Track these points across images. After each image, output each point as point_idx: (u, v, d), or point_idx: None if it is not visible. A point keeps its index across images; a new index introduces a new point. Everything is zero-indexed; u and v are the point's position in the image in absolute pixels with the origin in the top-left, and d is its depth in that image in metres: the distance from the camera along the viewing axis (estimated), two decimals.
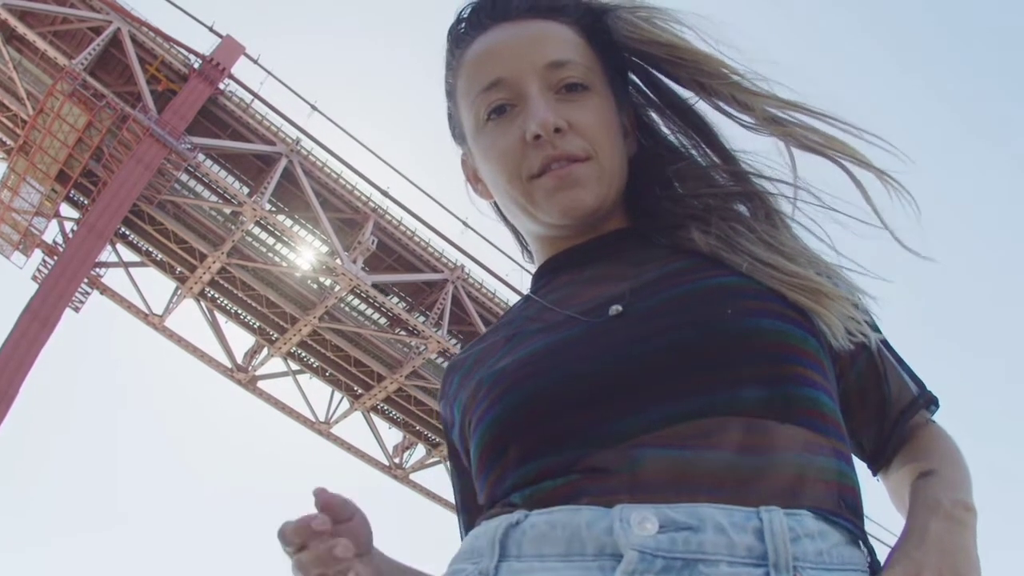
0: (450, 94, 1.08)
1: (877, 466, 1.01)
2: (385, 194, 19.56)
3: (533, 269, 1.10)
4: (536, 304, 1.00)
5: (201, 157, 17.68)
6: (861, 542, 0.82)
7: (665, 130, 1.06)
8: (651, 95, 1.06)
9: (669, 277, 0.92)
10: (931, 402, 1.02)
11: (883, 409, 0.99)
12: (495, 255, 20.05)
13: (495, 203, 1.12)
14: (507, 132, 0.97)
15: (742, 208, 1.00)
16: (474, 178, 1.11)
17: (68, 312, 18.01)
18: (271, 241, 19.52)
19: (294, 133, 18.38)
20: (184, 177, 18.14)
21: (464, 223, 20.23)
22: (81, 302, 19.03)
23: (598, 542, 0.74)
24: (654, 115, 1.07)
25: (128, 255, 19.44)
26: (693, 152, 1.04)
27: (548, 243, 1.05)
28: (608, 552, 0.74)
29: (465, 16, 1.05)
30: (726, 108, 0.98)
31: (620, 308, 0.89)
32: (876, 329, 0.98)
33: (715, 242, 0.95)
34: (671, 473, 0.76)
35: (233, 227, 18.63)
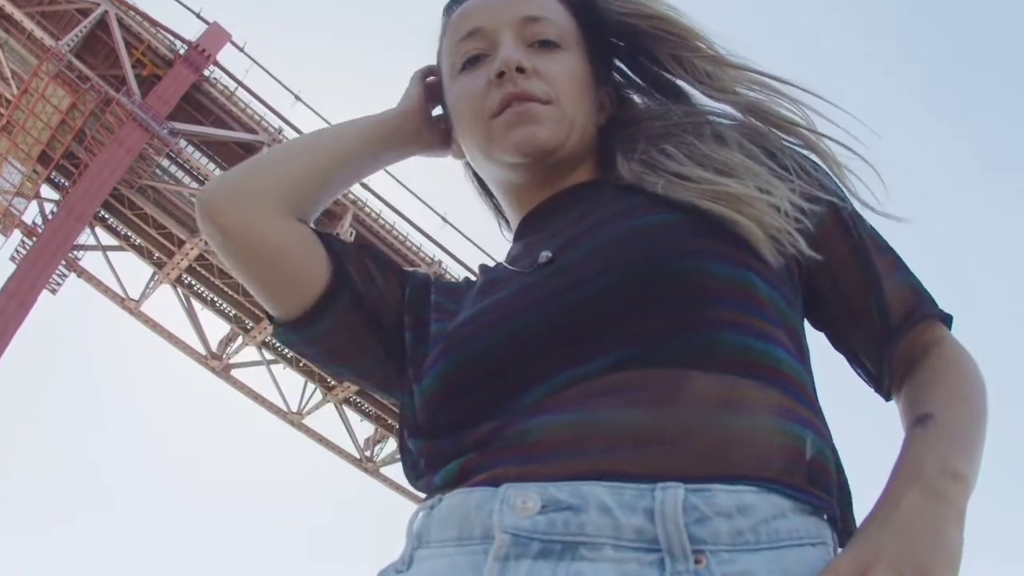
0: (438, 61, 1.10)
1: (885, 390, 0.92)
2: (364, 186, 19.72)
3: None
4: (499, 265, 0.99)
5: (183, 143, 17.81)
6: (825, 513, 0.73)
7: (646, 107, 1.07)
8: (632, 75, 1.08)
9: (605, 222, 0.89)
10: (936, 315, 0.91)
11: (876, 323, 0.91)
12: (474, 252, 20.22)
13: (468, 164, 1.13)
14: (477, 77, 0.99)
15: (694, 130, 0.97)
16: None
17: (44, 294, 18.08)
18: None
19: (277, 122, 18.48)
20: (165, 162, 18.22)
21: (443, 218, 20.42)
22: (58, 284, 19.07)
23: (484, 525, 0.71)
24: (636, 97, 1.08)
25: (107, 239, 19.51)
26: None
27: (515, 196, 1.04)
28: (491, 535, 0.71)
29: None
30: (701, 85, 0.98)
31: (549, 255, 0.88)
32: (857, 222, 0.92)
33: (637, 167, 0.95)
34: (564, 442, 0.73)
35: None
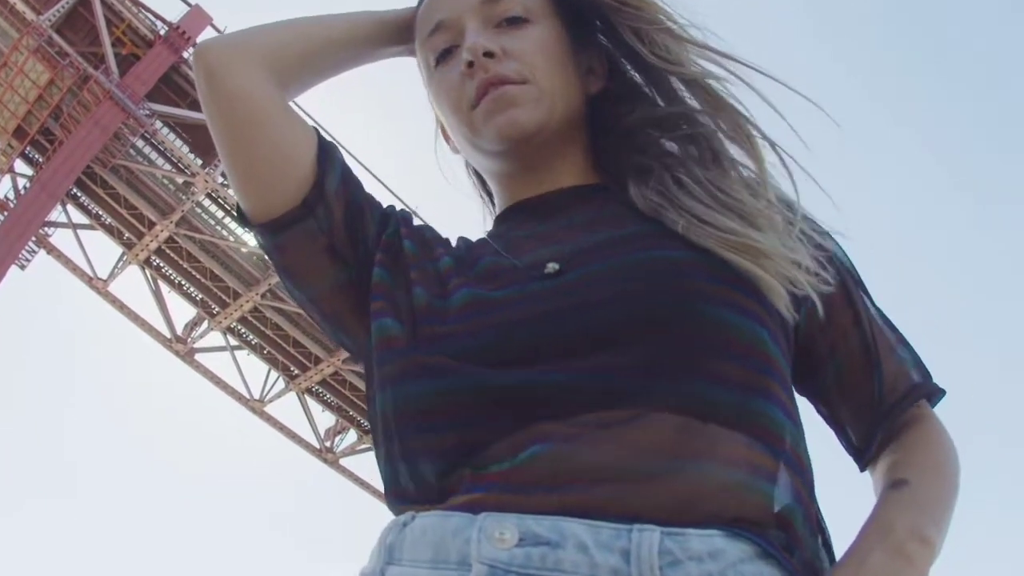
0: (417, 59, 1.07)
1: (864, 462, 0.93)
2: None
3: None
4: (487, 245, 0.97)
5: (159, 124, 18.00)
6: (785, 568, 0.73)
7: (633, 79, 1.03)
8: (607, 41, 1.04)
9: (618, 243, 0.87)
10: (932, 393, 0.94)
11: (870, 403, 0.92)
12: None
13: (466, 159, 1.11)
14: (451, 70, 0.98)
15: (692, 151, 0.95)
16: (445, 134, 1.10)
17: (13, 270, 18.18)
18: (220, 215, 19.76)
19: None
20: (140, 143, 18.36)
21: (414, 212, 20.63)
22: (28, 260, 19.15)
23: (460, 552, 0.71)
24: (624, 62, 1.03)
25: (78, 217, 19.58)
26: (650, 98, 1.00)
27: (506, 185, 1.02)
28: (468, 562, 0.71)
29: None
30: (662, 60, 0.96)
31: (556, 267, 0.86)
32: (866, 293, 0.94)
33: (655, 198, 0.91)
34: (547, 475, 0.72)
35: (184, 197, 18.87)
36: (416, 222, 1.02)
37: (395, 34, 1.07)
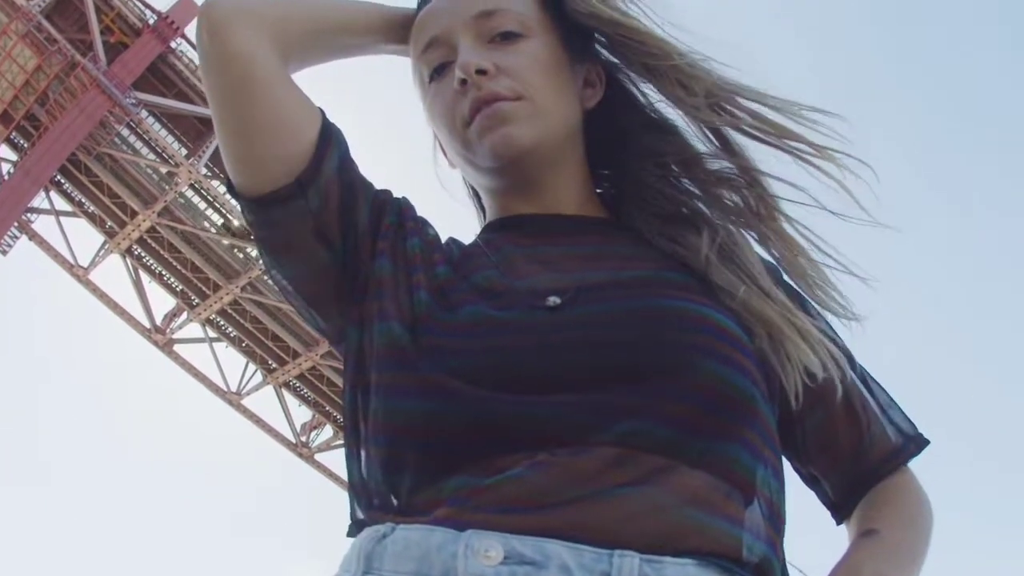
0: (413, 73, 1.06)
1: (840, 516, 0.96)
2: None
3: None
4: (479, 249, 0.96)
5: (144, 114, 18.15)
6: None
7: (641, 97, 1.02)
8: (614, 59, 1.02)
9: (626, 284, 0.87)
10: (913, 454, 0.95)
11: (854, 456, 0.94)
12: None
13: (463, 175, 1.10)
14: (446, 87, 0.97)
15: (723, 203, 0.96)
16: (442, 148, 1.08)
17: None
18: (203, 206, 19.91)
19: None
20: (125, 132, 18.48)
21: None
22: (9, 246, 19.20)
23: (445, 566, 0.72)
24: (631, 76, 1.02)
25: (61, 204, 19.67)
26: (675, 129, 0.99)
27: (501, 199, 1.01)
28: None
29: None
30: (671, 92, 0.95)
31: (558, 300, 0.85)
32: (852, 362, 0.94)
33: (715, 255, 0.91)
34: (535, 498, 0.74)
35: (167, 187, 18.97)
36: (418, 213, 1.00)
37: (398, 32, 1.05)
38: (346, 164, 0.96)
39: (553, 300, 0.85)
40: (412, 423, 0.80)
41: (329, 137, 0.94)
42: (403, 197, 1.01)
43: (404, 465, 0.81)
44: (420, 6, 1.04)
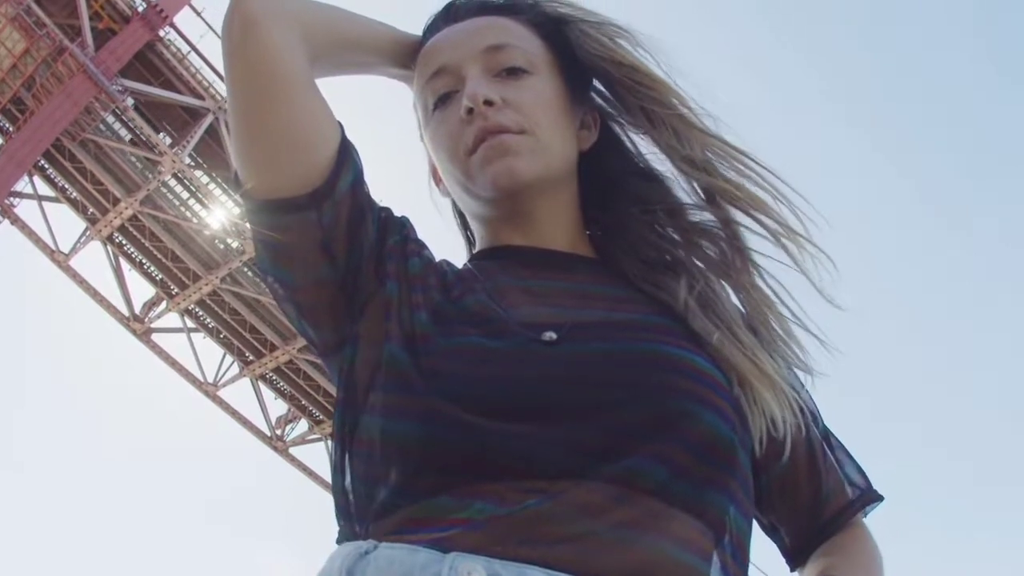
0: (415, 99, 1.08)
1: (795, 564, 0.99)
2: None
3: None
4: (471, 274, 0.98)
5: (130, 101, 18.18)
6: None
7: (632, 146, 1.06)
8: (613, 103, 1.05)
9: (618, 326, 0.90)
10: (869, 503, 0.99)
11: (813, 507, 0.97)
12: None
13: (454, 201, 1.11)
14: (451, 115, 0.98)
15: (704, 255, 0.99)
16: (436, 177, 1.10)
17: None
18: (186, 196, 19.95)
19: (225, 90, 18.70)
20: (110, 119, 18.52)
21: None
22: None
23: None
24: (625, 122, 1.05)
25: (44, 189, 19.67)
26: (663, 176, 1.02)
27: (492, 229, 1.03)
28: None
29: (427, 26, 1.08)
30: (664, 142, 0.97)
31: (554, 336, 0.86)
32: (816, 417, 0.98)
33: (693, 302, 0.93)
34: (520, 527, 0.75)
35: (150, 176, 19.01)
36: (417, 234, 1.01)
37: (403, 57, 1.07)
38: (359, 182, 0.96)
39: (549, 335, 0.86)
40: (407, 445, 0.81)
41: (347, 152, 0.95)
42: (404, 216, 1.02)
43: (392, 483, 0.82)
44: (427, 34, 1.07)
